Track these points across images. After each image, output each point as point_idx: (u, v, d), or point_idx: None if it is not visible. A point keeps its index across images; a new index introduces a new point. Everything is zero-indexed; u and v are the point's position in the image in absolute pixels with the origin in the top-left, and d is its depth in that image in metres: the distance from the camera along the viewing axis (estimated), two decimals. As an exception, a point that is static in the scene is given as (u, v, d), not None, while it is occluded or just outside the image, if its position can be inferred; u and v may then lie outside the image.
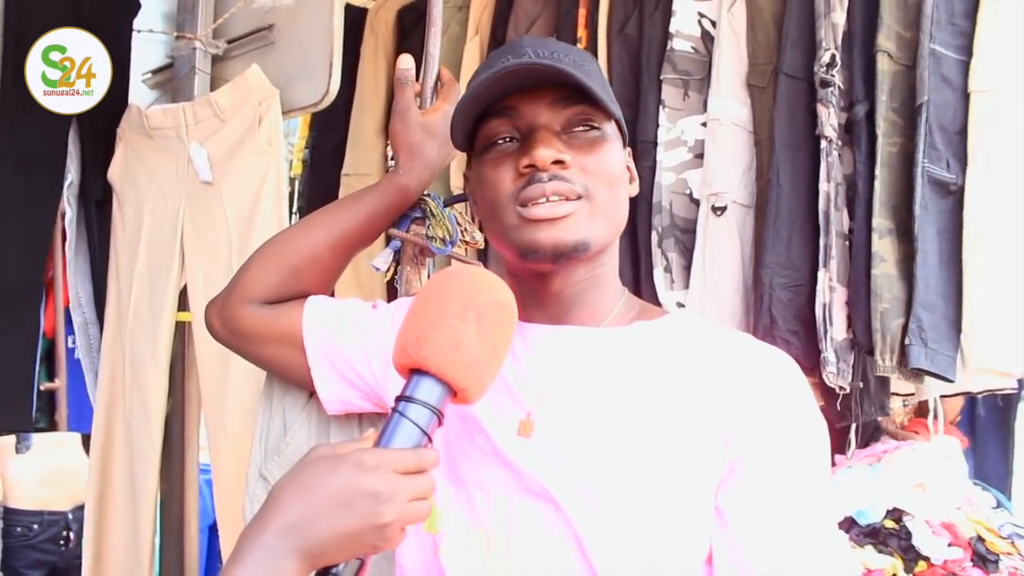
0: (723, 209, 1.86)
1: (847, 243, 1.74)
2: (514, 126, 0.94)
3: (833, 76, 1.73)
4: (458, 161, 1.84)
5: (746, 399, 0.87)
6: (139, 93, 2.02)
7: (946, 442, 2.32)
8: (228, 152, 1.76)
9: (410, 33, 2.56)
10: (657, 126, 1.97)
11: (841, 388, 1.68)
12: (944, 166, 1.67)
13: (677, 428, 0.87)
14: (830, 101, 1.73)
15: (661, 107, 1.96)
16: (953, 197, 1.68)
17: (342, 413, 1.18)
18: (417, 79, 1.27)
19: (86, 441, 3.00)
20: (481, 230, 1.22)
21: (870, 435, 2.20)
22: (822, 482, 0.87)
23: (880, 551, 2.07)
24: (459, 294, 0.80)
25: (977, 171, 1.66)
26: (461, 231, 1.28)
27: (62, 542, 3.02)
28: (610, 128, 0.95)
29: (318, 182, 2.82)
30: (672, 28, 1.97)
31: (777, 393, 0.89)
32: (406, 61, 1.23)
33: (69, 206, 2.09)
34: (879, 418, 1.91)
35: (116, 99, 1.90)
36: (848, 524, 2.12)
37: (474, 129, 0.98)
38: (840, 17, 1.75)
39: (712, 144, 1.90)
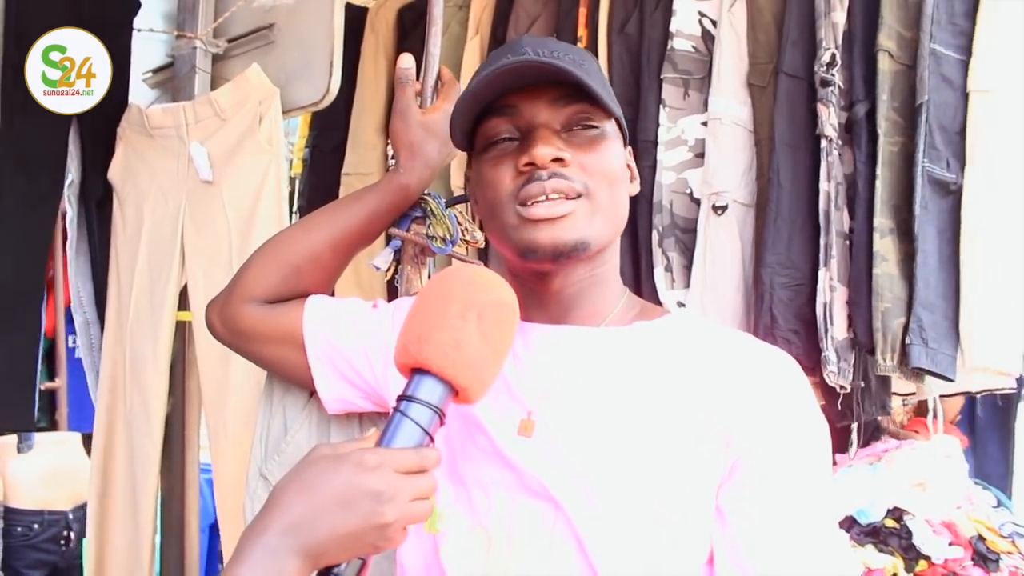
0: (724, 208, 1.87)
1: (847, 242, 1.74)
2: (514, 125, 0.94)
3: (833, 76, 1.73)
4: (458, 160, 1.84)
5: (747, 399, 0.87)
6: (139, 92, 2.01)
7: (946, 441, 2.32)
8: (228, 151, 1.76)
9: (410, 32, 2.56)
10: (657, 125, 1.97)
11: (842, 387, 1.69)
12: (944, 166, 1.67)
13: (678, 428, 0.87)
14: (830, 100, 1.74)
15: (661, 106, 1.97)
16: (953, 197, 1.68)
17: (342, 412, 1.18)
18: (417, 78, 1.27)
19: (86, 441, 3.00)
20: (482, 229, 1.22)
21: (870, 434, 2.20)
22: (823, 482, 0.87)
23: (881, 550, 2.07)
24: (461, 293, 0.80)
25: (975, 171, 1.66)
26: (462, 230, 1.28)
27: (63, 542, 3.02)
28: (610, 127, 0.95)
29: (318, 181, 2.82)
30: (672, 27, 1.97)
31: (778, 393, 0.89)
32: (407, 60, 1.23)
33: (70, 205, 2.09)
34: (879, 417, 1.91)
35: (116, 98, 1.90)
36: (849, 523, 2.13)
37: (474, 128, 0.98)
38: (840, 16, 1.75)
39: (713, 143, 1.90)
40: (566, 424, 0.90)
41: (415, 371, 0.79)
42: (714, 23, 1.96)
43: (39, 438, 3.03)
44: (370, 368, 1.10)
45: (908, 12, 1.72)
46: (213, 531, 3.00)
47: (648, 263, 1.96)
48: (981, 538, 2.11)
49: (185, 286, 1.83)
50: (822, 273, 1.71)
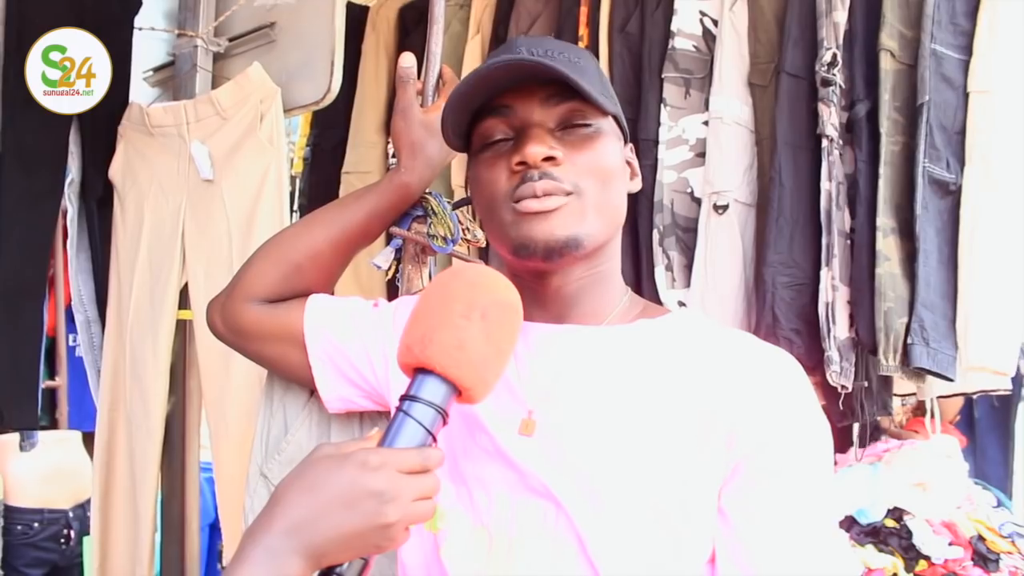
0: (725, 208, 1.86)
1: (849, 242, 1.74)
2: (509, 125, 0.94)
3: (834, 75, 1.73)
4: (459, 159, 1.84)
5: (750, 399, 0.87)
6: (140, 91, 2.01)
7: (945, 442, 2.33)
8: (229, 150, 1.76)
9: (411, 31, 2.56)
10: (658, 124, 1.97)
11: (844, 387, 1.68)
12: (944, 166, 1.67)
13: (680, 427, 0.87)
14: (831, 100, 1.73)
15: (662, 105, 1.96)
16: (952, 197, 1.68)
17: (343, 412, 1.18)
18: (419, 77, 1.27)
19: (87, 439, 3.00)
20: (482, 228, 1.22)
21: (869, 435, 2.20)
22: (825, 482, 0.87)
23: (881, 550, 2.07)
24: (464, 293, 0.80)
25: (974, 171, 1.66)
26: (462, 229, 1.28)
27: (62, 540, 3.02)
28: (606, 124, 0.95)
29: (319, 180, 2.82)
30: (673, 27, 1.97)
31: (781, 393, 0.88)
32: (408, 59, 1.23)
33: (70, 204, 2.09)
34: (879, 418, 1.91)
35: (117, 97, 1.90)
36: (849, 523, 2.13)
37: (472, 129, 0.98)
38: (842, 16, 1.75)
39: (714, 143, 1.90)
40: (568, 423, 0.90)
41: (418, 371, 0.79)
42: (715, 22, 1.96)
43: (40, 436, 3.03)
44: (371, 367, 1.10)
45: (909, 12, 1.72)
46: (213, 530, 3.01)
47: (649, 262, 1.96)
48: (981, 538, 2.11)
49: (186, 285, 1.83)
50: (824, 273, 1.71)
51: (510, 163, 0.91)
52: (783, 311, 1.75)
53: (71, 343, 2.63)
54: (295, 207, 2.90)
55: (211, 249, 1.77)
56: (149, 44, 2.01)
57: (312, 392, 1.24)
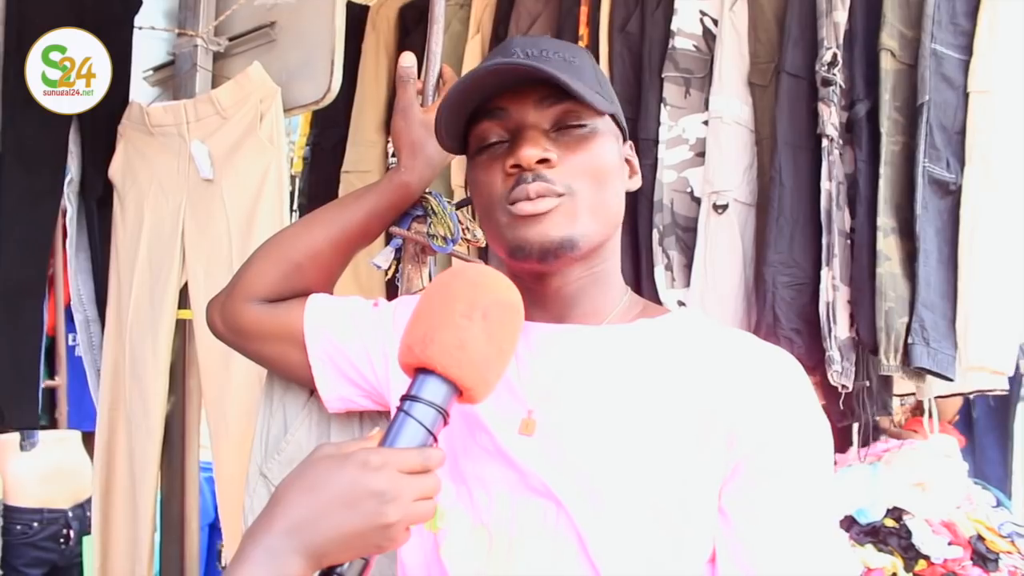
0: (724, 207, 1.86)
1: (849, 242, 1.74)
2: (504, 127, 0.94)
3: (835, 75, 1.73)
4: (459, 159, 1.84)
5: (750, 399, 0.87)
6: (140, 90, 2.01)
7: (944, 441, 2.33)
8: (229, 149, 1.76)
9: (411, 31, 2.56)
10: (658, 124, 1.97)
11: (844, 387, 1.68)
12: (944, 166, 1.67)
13: (680, 427, 0.87)
14: (832, 100, 1.73)
15: (662, 105, 1.96)
16: (952, 197, 1.68)
17: (343, 411, 1.18)
18: (419, 77, 1.27)
19: (86, 439, 3.00)
20: (482, 228, 1.22)
21: (868, 434, 2.20)
22: (825, 482, 0.87)
23: (880, 550, 2.07)
24: (465, 293, 0.80)
25: (974, 171, 1.67)
26: (462, 229, 1.28)
27: (62, 540, 3.02)
28: (601, 124, 0.95)
29: (318, 179, 2.82)
30: (674, 26, 1.97)
31: (781, 393, 0.88)
32: (408, 59, 1.23)
33: (69, 203, 2.09)
34: (878, 417, 1.91)
35: (117, 96, 1.90)
36: (848, 523, 2.13)
37: (468, 131, 0.98)
38: (842, 16, 1.75)
39: (714, 142, 1.90)
40: (568, 423, 0.90)
41: (419, 371, 0.79)
42: (715, 22, 1.96)
43: (40, 436, 3.03)
44: (371, 367, 1.10)
45: (910, 11, 1.72)
46: (212, 530, 3.00)
47: (648, 262, 1.96)
48: (980, 538, 2.12)
49: (185, 284, 1.83)
50: (824, 273, 1.71)
51: (505, 166, 0.91)
52: (783, 310, 1.75)
53: (71, 342, 2.62)
54: (295, 206, 2.90)
55: (211, 248, 1.77)
56: (149, 43, 2.00)
57: (312, 392, 1.24)
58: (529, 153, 0.89)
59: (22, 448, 2.98)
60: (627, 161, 1.02)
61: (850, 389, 1.70)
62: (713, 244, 1.87)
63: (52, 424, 2.77)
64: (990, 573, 2.05)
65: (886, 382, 1.78)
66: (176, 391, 1.91)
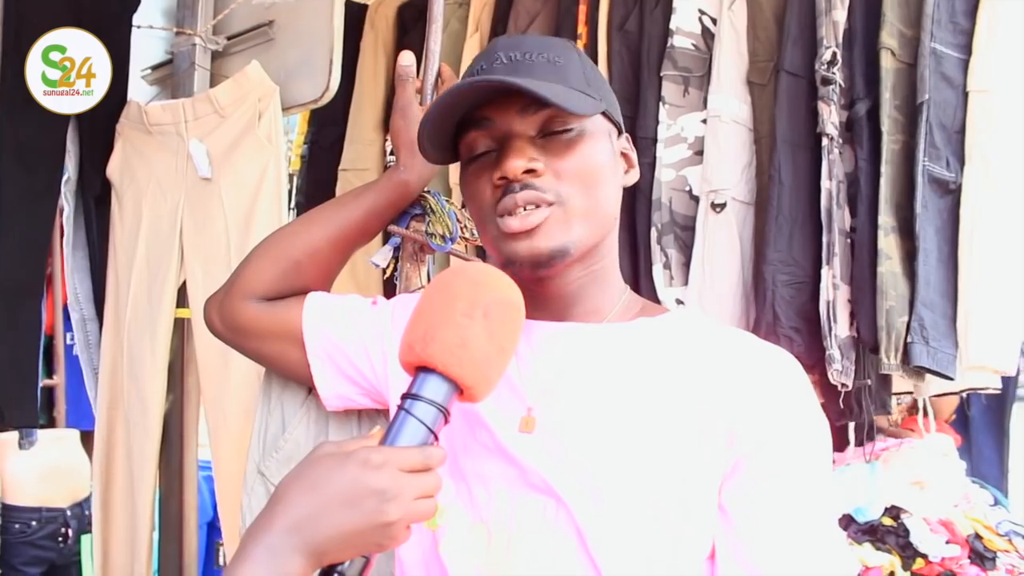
0: (722, 206, 1.87)
1: (849, 241, 1.74)
2: (491, 136, 0.93)
3: (834, 74, 1.73)
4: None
5: (750, 397, 0.87)
6: (138, 89, 2.01)
7: (941, 440, 2.33)
8: (227, 148, 1.76)
9: (410, 29, 2.56)
10: (657, 123, 1.97)
11: (844, 386, 1.69)
12: (944, 165, 1.67)
13: (680, 424, 0.87)
14: (831, 99, 1.73)
15: (661, 104, 1.96)
16: (952, 196, 1.69)
17: (341, 409, 1.18)
18: (418, 75, 1.27)
19: (85, 438, 2.99)
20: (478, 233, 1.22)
21: (864, 433, 2.20)
22: (824, 480, 0.87)
23: (878, 548, 2.08)
24: (467, 292, 0.80)
25: (974, 170, 1.67)
26: (461, 228, 1.28)
27: (60, 539, 3.02)
28: (590, 124, 0.94)
29: (316, 177, 2.82)
30: (672, 25, 1.96)
31: (781, 392, 0.89)
32: (407, 58, 1.23)
33: (67, 202, 2.09)
34: (876, 416, 1.92)
35: (115, 95, 1.90)
36: (846, 521, 2.13)
37: (458, 140, 0.97)
38: (841, 15, 1.75)
39: (712, 141, 1.90)
40: (568, 420, 0.91)
41: (420, 369, 0.79)
42: (714, 21, 1.96)
43: (39, 435, 3.03)
44: (369, 365, 1.10)
45: (909, 10, 1.72)
46: (211, 528, 3.00)
47: (647, 260, 1.96)
48: (978, 536, 2.12)
49: (184, 283, 1.83)
50: (825, 271, 1.71)
51: (492, 177, 0.91)
52: (783, 309, 1.75)
53: (69, 341, 2.63)
54: (292, 205, 2.90)
55: (209, 247, 1.77)
56: (147, 42, 2.00)
57: (310, 390, 1.24)
58: (514, 165, 0.88)
59: (21, 447, 2.98)
60: (623, 155, 1.01)
61: (850, 388, 1.70)
62: (711, 243, 1.87)
63: (50, 423, 2.77)
64: (987, 571, 2.05)
65: (884, 381, 1.78)
66: (174, 390, 1.90)
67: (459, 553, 0.91)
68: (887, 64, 1.70)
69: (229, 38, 1.88)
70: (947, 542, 2.07)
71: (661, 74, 1.97)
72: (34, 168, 1.98)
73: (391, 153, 1.26)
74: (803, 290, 1.76)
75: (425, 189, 1.26)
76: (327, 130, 2.77)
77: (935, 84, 1.67)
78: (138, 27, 1.96)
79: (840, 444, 2.21)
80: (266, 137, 1.72)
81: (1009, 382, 2.81)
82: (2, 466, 3.00)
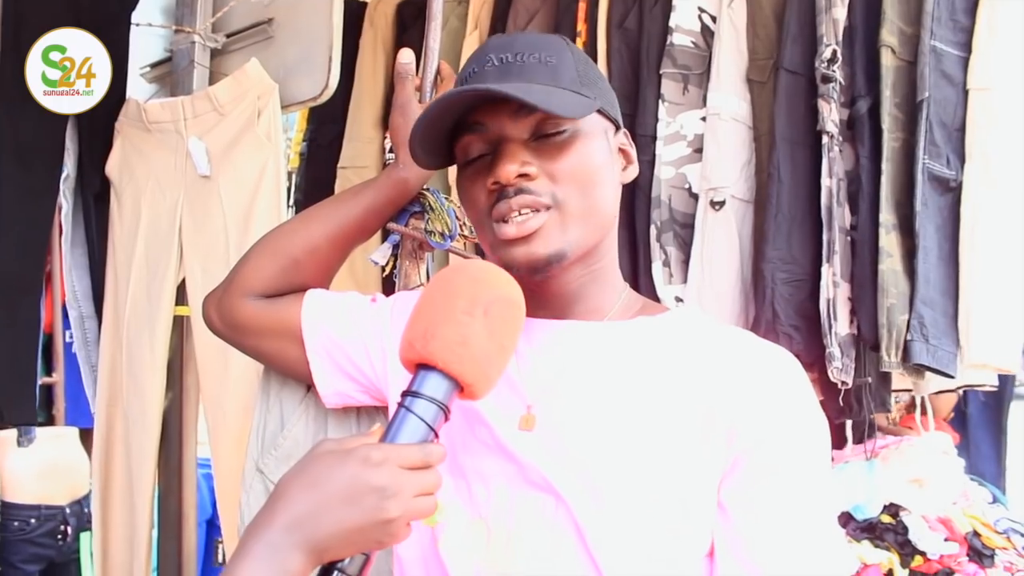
0: (721, 204, 1.87)
1: (849, 239, 1.74)
2: (485, 140, 0.93)
3: (834, 72, 1.73)
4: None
5: (750, 395, 0.87)
6: (137, 87, 2.00)
7: (940, 438, 2.33)
8: (227, 146, 1.75)
9: (409, 27, 2.56)
10: (656, 120, 1.97)
11: (844, 383, 1.69)
12: (944, 162, 1.67)
13: (680, 422, 0.87)
14: (831, 96, 1.73)
15: (660, 101, 1.96)
16: (952, 193, 1.69)
17: (340, 407, 1.18)
18: (417, 73, 1.27)
19: (84, 436, 2.99)
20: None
21: (862, 431, 2.21)
22: (822, 478, 0.88)
23: (877, 546, 2.08)
24: (467, 289, 0.80)
25: (974, 168, 1.67)
26: (460, 225, 1.28)
27: (59, 536, 3.01)
28: (584, 123, 0.93)
29: (315, 175, 2.82)
30: (672, 23, 1.96)
31: (780, 390, 0.89)
32: (406, 55, 1.23)
33: (65, 200, 2.09)
34: (875, 414, 1.92)
35: (114, 93, 1.90)
36: (845, 519, 2.13)
37: (454, 143, 0.97)
38: (841, 13, 1.75)
39: (711, 139, 1.90)
40: (568, 418, 0.91)
41: (420, 366, 0.79)
42: (713, 19, 1.96)
43: (37, 433, 3.02)
44: (368, 362, 1.10)
45: (909, 8, 1.72)
46: (210, 526, 3.00)
47: (646, 258, 1.96)
48: (976, 534, 2.12)
49: (183, 281, 1.82)
50: (825, 269, 1.71)
51: (486, 182, 0.91)
52: (782, 307, 1.75)
53: (68, 339, 2.62)
54: (290, 202, 2.89)
55: (208, 245, 1.77)
56: (146, 40, 1.99)
57: (309, 387, 1.24)
58: (507, 170, 0.88)
59: (19, 444, 2.98)
60: (621, 151, 1.00)
61: (850, 385, 1.70)
62: (710, 240, 1.87)
63: (50, 421, 2.77)
64: (986, 569, 2.05)
65: (884, 379, 1.78)
66: (174, 387, 1.90)
67: (458, 550, 0.91)
68: (887, 62, 1.70)
69: (228, 36, 1.88)
70: (946, 540, 2.07)
71: (660, 72, 1.97)
72: (33, 166, 1.98)
73: (390, 151, 1.26)
74: (802, 288, 1.76)
75: (424, 187, 1.26)
76: (326, 128, 2.77)
77: (935, 82, 1.67)
78: (137, 25, 1.96)
79: (839, 442, 2.22)
80: (265, 135, 1.72)
81: (1007, 380, 2.81)
82: (1, 464, 2.99)
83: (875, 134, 1.71)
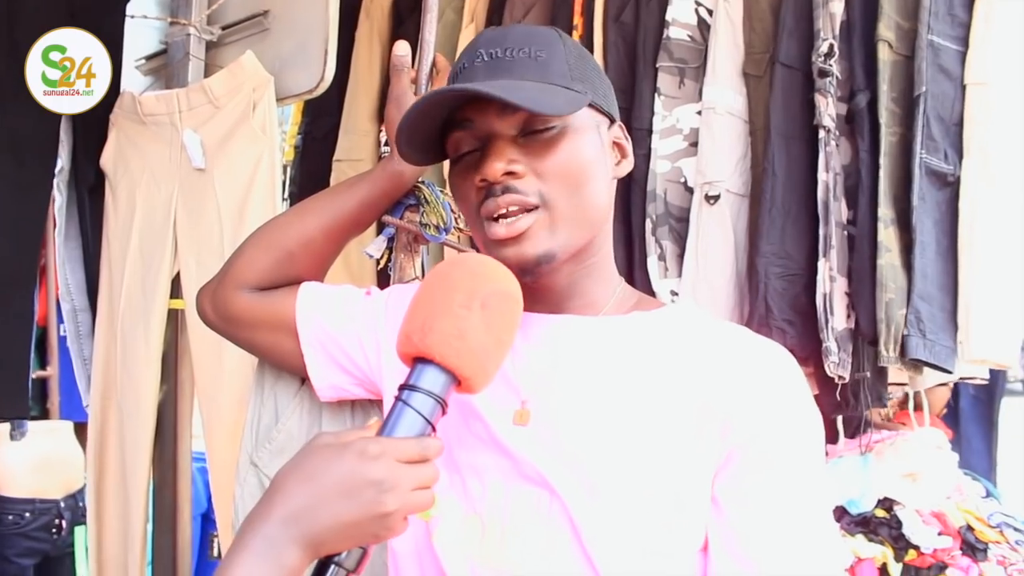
0: (716, 198, 1.86)
1: (846, 233, 1.74)
2: (474, 136, 0.93)
3: (831, 66, 1.73)
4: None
5: (744, 390, 0.87)
6: (132, 79, 2.00)
7: (933, 433, 2.34)
8: (221, 139, 1.75)
9: (405, 20, 2.55)
10: (652, 114, 1.96)
11: (841, 378, 1.69)
12: (942, 157, 1.67)
13: (675, 417, 0.87)
14: (828, 91, 1.73)
15: (657, 95, 1.96)
16: (950, 188, 1.68)
17: (334, 400, 1.18)
18: (413, 66, 1.27)
19: (78, 429, 2.99)
20: (470, 229, 1.22)
21: (856, 426, 2.21)
22: (816, 472, 0.88)
23: (871, 540, 2.09)
24: (465, 283, 0.80)
25: (972, 163, 1.66)
26: (455, 218, 1.28)
27: (54, 530, 3.01)
28: (574, 119, 0.92)
29: (310, 168, 2.80)
30: (668, 16, 1.96)
31: (775, 385, 0.89)
32: (402, 48, 1.22)
33: (59, 193, 2.09)
34: (871, 409, 1.92)
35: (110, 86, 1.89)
36: (839, 513, 2.14)
37: (445, 138, 0.96)
38: (838, 6, 1.74)
39: (706, 133, 1.89)
40: (563, 412, 0.91)
41: (417, 360, 0.79)
42: (710, 12, 1.95)
43: (31, 426, 3.02)
44: (363, 354, 1.10)
45: (907, 2, 1.72)
46: (205, 520, 3.00)
47: (641, 252, 1.96)
48: (970, 528, 2.13)
49: (178, 274, 1.82)
50: (822, 264, 1.71)
51: (475, 179, 0.91)
52: (775, 301, 1.75)
53: (62, 333, 2.62)
54: (285, 195, 2.89)
55: (203, 238, 1.76)
56: (141, 32, 1.99)
57: (303, 380, 1.25)
58: (494, 168, 0.88)
59: (12, 438, 2.98)
60: (616, 145, 0.99)
61: (847, 380, 1.70)
62: (705, 235, 1.87)
63: (44, 414, 2.76)
64: (979, 563, 2.06)
65: (881, 374, 1.78)
66: (168, 381, 1.90)
67: (452, 545, 0.91)
68: (884, 56, 1.70)
69: (224, 28, 1.87)
70: (939, 533, 2.08)
71: (657, 65, 1.96)
72: (27, 159, 1.97)
73: (386, 144, 1.26)
74: (796, 282, 1.76)
75: (419, 179, 1.26)
76: (321, 121, 2.76)
77: (932, 76, 1.67)
78: (132, 17, 1.95)
79: (831, 436, 2.22)
80: (260, 128, 1.72)
81: (998, 375, 2.82)
82: (-5, 457, 2.99)
83: (874, 128, 1.71)
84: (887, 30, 1.70)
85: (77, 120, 2.04)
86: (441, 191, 1.28)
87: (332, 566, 0.73)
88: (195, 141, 1.75)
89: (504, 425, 0.92)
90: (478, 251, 0.95)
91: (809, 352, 1.73)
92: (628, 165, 1.01)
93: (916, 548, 2.06)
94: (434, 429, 0.78)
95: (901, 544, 2.07)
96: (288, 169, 2.95)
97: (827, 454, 2.18)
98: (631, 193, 1.96)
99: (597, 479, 0.86)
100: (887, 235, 1.66)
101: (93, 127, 2.00)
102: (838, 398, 1.73)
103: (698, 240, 1.87)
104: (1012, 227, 1.64)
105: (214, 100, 1.75)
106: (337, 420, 1.26)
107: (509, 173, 0.88)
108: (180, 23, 1.87)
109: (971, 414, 3.06)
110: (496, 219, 0.89)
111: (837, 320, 1.70)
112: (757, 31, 1.88)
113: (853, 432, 2.21)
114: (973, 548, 2.08)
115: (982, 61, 1.66)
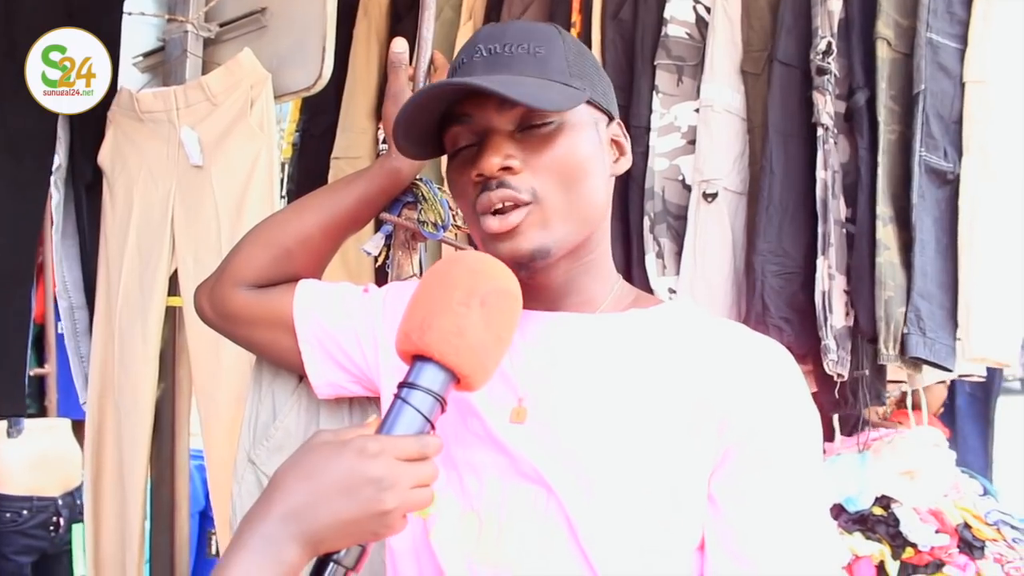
0: (714, 196, 1.86)
1: (844, 231, 1.74)
2: (472, 131, 0.92)
3: (829, 64, 1.73)
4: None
5: (741, 388, 0.87)
6: (130, 76, 1.99)
7: (930, 431, 2.35)
8: (219, 136, 1.75)
9: (403, 17, 2.55)
10: (650, 112, 1.96)
11: (839, 376, 1.69)
12: (941, 155, 1.67)
13: (671, 414, 0.87)
14: (826, 89, 1.73)
15: (655, 92, 1.96)
16: (950, 186, 1.68)
17: (332, 397, 1.18)
18: (411, 63, 1.26)
19: (76, 427, 2.98)
20: (468, 225, 1.22)
21: (853, 425, 2.21)
22: (814, 470, 0.88)
23: (868, 537, 2.09)
24: (464, 281, 0.80)
25: (972, 161, 1.66)
26: (453, 215, 1.28)
27: (52, 528, 3.01)
28: (572, 115, 0.92)
29: (307, 166, 2.80)
30: (667, 14, 1.96)
31: (772, 382, 0.89)
32: (400, 45, 1.22)
33: (56, 190, 2.08)
34: (869, 407, 1.92)
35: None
36: (837, 511, 2.14)
37: (443, 132, 0.96)
38: (836, 4, 1.75)
39: (704, 131, 1.89)
40: (560, 410, 0.91)
41: (416, 358, 0.79)
42: (708, 9, 1.95)
43: (29, 424, 3.02)
44: (361, 352, 1.10)
45: (905, 0, 1.72)
46: (203, 517, 3.00)
47: (640, 249, 1.96)
48: (967, 526, 2.13)
49: (175, 272, 1.82)
50: (820, 262, 1.71)
51: (472, 173, 0.91)
52: (772, 299, 1.75)
53: (60, 330, 2.61)
54: (283, 193, 2.88)
55: (200, 235, 1.76)
56: (138, 29, 1.98)
57: (301, 378, 1.24)
58: (491, 162, 0.88)
59: (9, 435, 2.98)
60: (614, 142, 0.99)
61: (845, 378, 1.70)
62: (702, 232, 1.87)
63: (42, 412, 2.76)
64: (976, 560, 2.07)
65: (880, 372, 1.78)
66: (166, 378, 1.90)
67: (449, 542, 0.91)
68: (883, 54, 1.70)
69: (221, 25, 1.86)
70: (937, 531, 2.08)
71: (655, 63, 1.96)
72: (24, 157, 1.97)
73: (383, 141, 1.26)
74: (793, 280, 1.76)
75: (417, 177, 1.26)
76: (319, 118, 2.76)
77: (932, 74, 1.67)
78: (129, 14, 1.94)
79: (828, 434, 2.22)
80: (258, 125, 1.71)
81: (995, 373, 2.82)
82: (-7, 455, 2.99)
83: (873, 126, 1.71)
84: (886, 28, 1.70)
85: (75, 118, 2.03)
86: (439, 188, 1.28)
87: (331, 564, 0.73)
88: (193, 138, 1.75)
89: (501, 422, 0.92)
90: (476, 248, 0.95)
91: (807, 350, 1.73)
92: (626, 163, 1.01)
93: (913, 546, 2.06)
94: (433, 427, 0.78)
95: (898, 542, 2.08)
96: (286, 166, 2.94)
97: (824, 452, 2.18)
98: (629, 191, 1.96)
99: (594, 476, 0.86)
100: (886, 233, 1.66)
101: (90, 124, 1.99)
102: (836, 396, 1.73)
103: (696, 238, 1.87)
104: (1012, 225, 1.64)
105: (212, 97, 1.75)
106: (335, 417, 1.26)
107: (505, 168, 0.88)
108: (178, 20, 1.86)
109: (967, 412, 3.06)
110: (492, 213, 0.89)
111: (836, 318, 1.70)
112: (755, 29, 1.88)
113: (850, 430, 2.21)
114: (970, 546, 2.08)
115: (981, 59, 1.67)
